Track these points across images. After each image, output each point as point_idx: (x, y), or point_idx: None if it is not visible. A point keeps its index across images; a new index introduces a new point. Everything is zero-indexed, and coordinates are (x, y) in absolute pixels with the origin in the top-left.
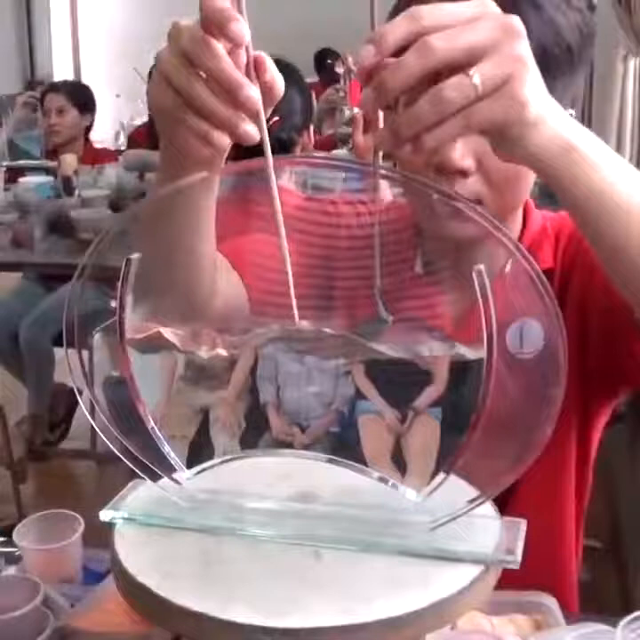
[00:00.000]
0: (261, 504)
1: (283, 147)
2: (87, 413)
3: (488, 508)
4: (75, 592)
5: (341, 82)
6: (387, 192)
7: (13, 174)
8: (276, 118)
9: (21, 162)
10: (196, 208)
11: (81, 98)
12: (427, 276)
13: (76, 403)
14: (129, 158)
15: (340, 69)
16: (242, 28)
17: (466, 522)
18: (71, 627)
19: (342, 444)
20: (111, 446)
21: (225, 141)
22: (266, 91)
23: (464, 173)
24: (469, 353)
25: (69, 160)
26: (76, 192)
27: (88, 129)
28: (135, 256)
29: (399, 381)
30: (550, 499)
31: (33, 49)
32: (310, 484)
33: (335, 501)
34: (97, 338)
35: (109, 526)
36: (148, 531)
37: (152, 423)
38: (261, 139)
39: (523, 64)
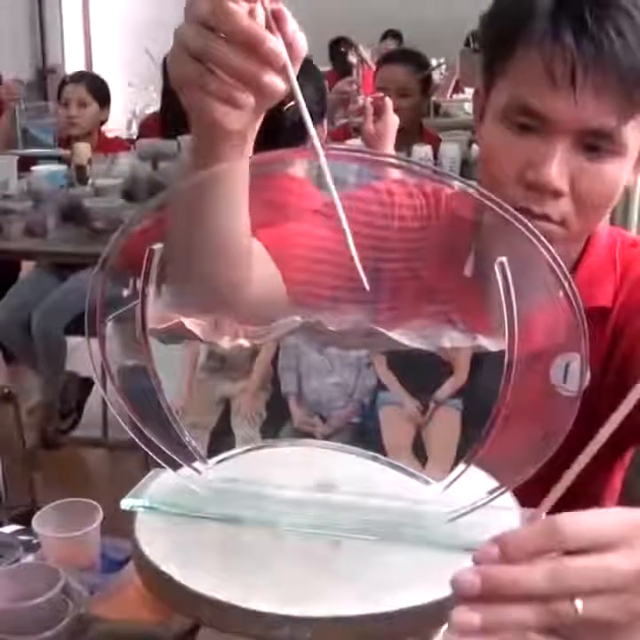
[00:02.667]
0: (282, 493)
1: (299, 129)
2: (109, 402)
3: (507, 499)
4: (93, 580)
5: (354, 71)
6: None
7: (26, 162)
8: (292, 103)
9: (34, 150)
10: (230, 193)
11: (101, 92)
12: (475, 279)
13: (88, 391)
14: (143, 147)
15: (353, 59)
16: None
17: (485, 512)
18: (90, 614)
19: (363, 434)
20: (132, 435)
21: (250, 101)
22: (289, 44)
23: (557, 194)
24: (490, 344)
25: (83, 149)
26: (90, 181)
27: (102, 123)
28: (158, 246)
29: (420, 373)
30: (576, 498)
31: (44, 37)
32: (331, 474)
33: (355, 491)
34: (109, 326)
35: (130, 514)
36: (169, 519)
37: (174, 413)
38: (293, 92)
39: (635, 617)
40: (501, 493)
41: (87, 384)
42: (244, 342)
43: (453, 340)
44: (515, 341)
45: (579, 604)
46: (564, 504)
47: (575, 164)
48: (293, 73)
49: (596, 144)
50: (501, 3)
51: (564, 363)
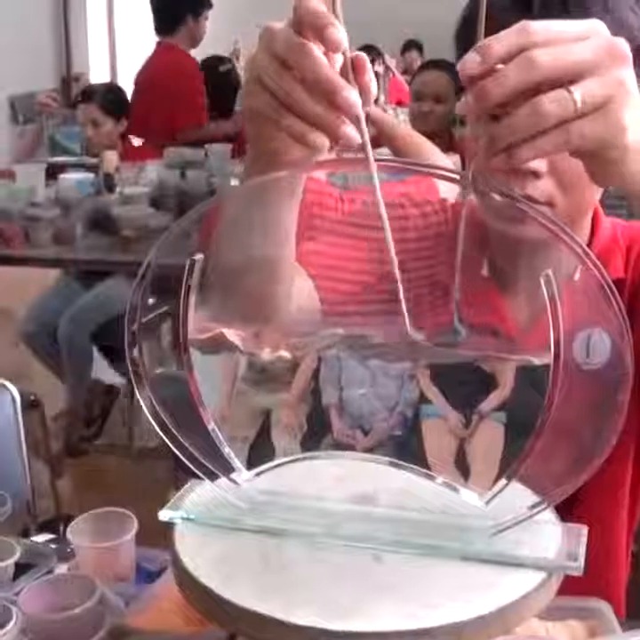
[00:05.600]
0: (322, 506)
1: None
2: (147, 412)
3: (549, 514)
4: (128, 591)
5: (380, 81)
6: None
7: (53, 170)
8: None
9: (62, 158)
10: (280, 210)
11: (114, 105)
12: (494, 280)
13: (113, 399)
14: (170, 156)
15: (379, 68)
16: (338, 33)
17: (528, 527)
18: (126, 626)
19: (405, 447)
20: (171, 446)
21: (323, 142)
22: (363, 92)
23: (536, 174)
24: (536, 359)
25: (111, 157)
26: (117, 189)
27: (123, 134)
28: (199, 257)
29: (464, 386)
30: (605, 509)
31: (69, 45)
32: (371, 487)
33: (396, 505)
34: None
35: (159, 524)
36: (208, 531)
37: (212, 424)
38: (363, 143)
39: (625, 89)
40: (543, 509)
41: (112, 392)
42: (286, 354)
43: (498, 354)
44: (561, 353)
45: (574, 91)
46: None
47: None
48: (364, 123)
49: None
50: (469, 6)
51: (585, 337)
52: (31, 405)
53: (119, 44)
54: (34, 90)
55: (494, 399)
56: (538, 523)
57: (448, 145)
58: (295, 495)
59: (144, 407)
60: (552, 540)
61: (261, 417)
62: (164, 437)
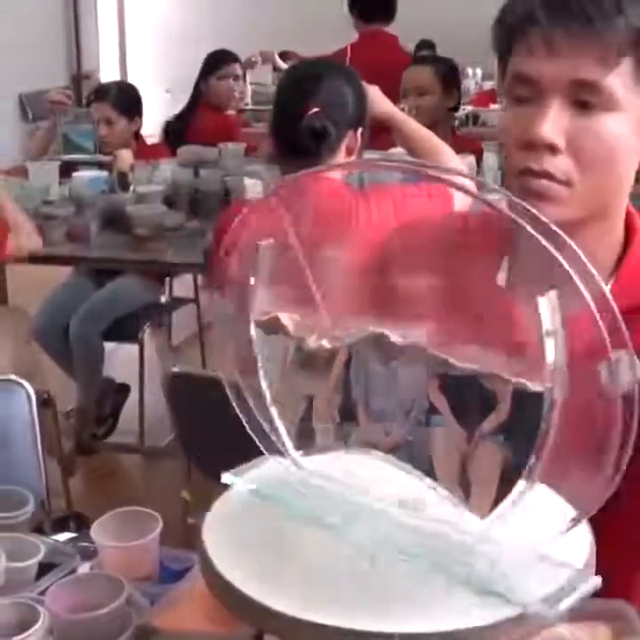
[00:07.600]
0: (368, 503)
1: (315, 135)
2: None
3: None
4: (152, 590)
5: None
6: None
7: (66, 168)
8: (315, 109)
9: (75, 156)
10: None
11: (128, 103)
12: (509, 291)
13: (125, 397)
14: (184, 154)
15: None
16: None
17: (537, 564)
18: (152, 625)
19: (418, 453)
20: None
21: None
22: None
23: (553, 149)
24: (531, 385)
25: (125, 156)
26: (131, 187)
27: (136, 132)
28: (264, 243)
29: (470, 400)
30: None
31: (79, 43)
32: (411, 493)
33: (407, 514)
34: (147, 333)
35: (176, 522)
36: (235, 530)
37: (271, 403)
38: None
39: None
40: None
41: (123, 390)
42: (326, 344)
43: (498, 373)
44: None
45: None
46: None
47: (569, 121)
48: None
49: (586, 99)
50: (503, 8)
51: (613, 362)
52: (44, 403)
53: (129, 42)
54: (44, 88)
55: (494, 420)
56: (551, 561)
57: (448, 138)
58: (349, 487)
59: (221, 374)
60: (551, 581)
61: (305, 401)
62: (236, 406)
